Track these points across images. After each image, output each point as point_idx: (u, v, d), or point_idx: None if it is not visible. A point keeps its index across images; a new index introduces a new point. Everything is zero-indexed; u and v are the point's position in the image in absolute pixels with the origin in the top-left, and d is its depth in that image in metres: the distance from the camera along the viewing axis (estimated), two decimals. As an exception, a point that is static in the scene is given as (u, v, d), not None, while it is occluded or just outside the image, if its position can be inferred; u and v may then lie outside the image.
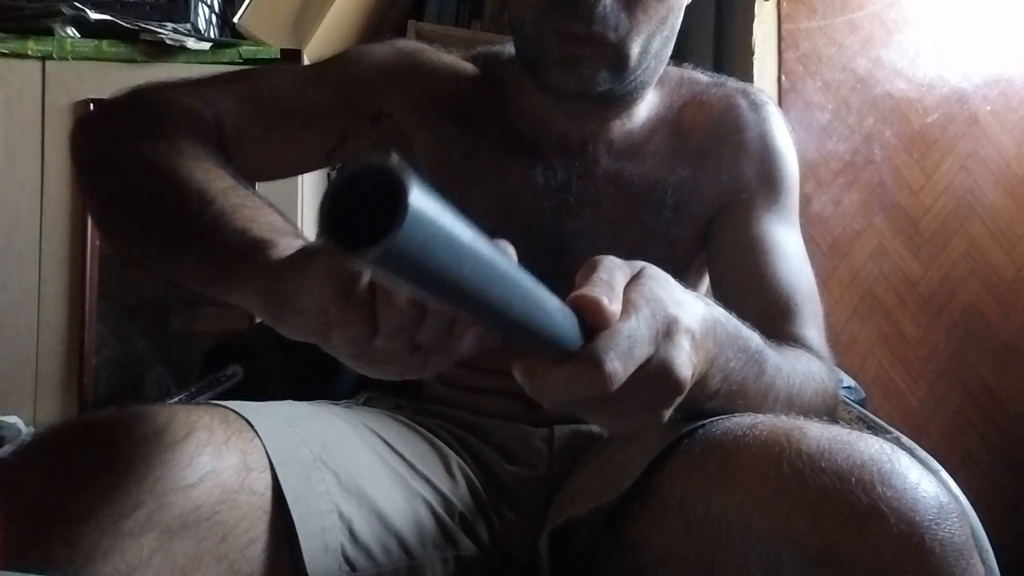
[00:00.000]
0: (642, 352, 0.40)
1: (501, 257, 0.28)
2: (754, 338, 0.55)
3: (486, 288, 0.27)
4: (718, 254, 0.79)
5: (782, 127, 0.83)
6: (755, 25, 1.63)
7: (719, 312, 0.50)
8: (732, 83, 0.85)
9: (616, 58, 0.69)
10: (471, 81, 0.81)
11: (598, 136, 0.78)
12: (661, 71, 0.78)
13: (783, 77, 1.65)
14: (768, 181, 0.80)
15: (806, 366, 0.64)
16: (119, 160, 0.67)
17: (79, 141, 0.71)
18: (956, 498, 0.48)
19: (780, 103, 1.63)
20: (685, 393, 0.43)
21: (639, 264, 0.45)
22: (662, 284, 0.44)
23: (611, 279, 0.41)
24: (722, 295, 0.78)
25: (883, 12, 1.67)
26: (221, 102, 0.74)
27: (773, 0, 1.65)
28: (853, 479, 0.44)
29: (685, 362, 0.42)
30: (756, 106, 0.82)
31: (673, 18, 0.73)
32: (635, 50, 0.69)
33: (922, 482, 0.45)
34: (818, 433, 0.48)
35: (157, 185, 0.62)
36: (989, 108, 1.67)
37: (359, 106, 0.78)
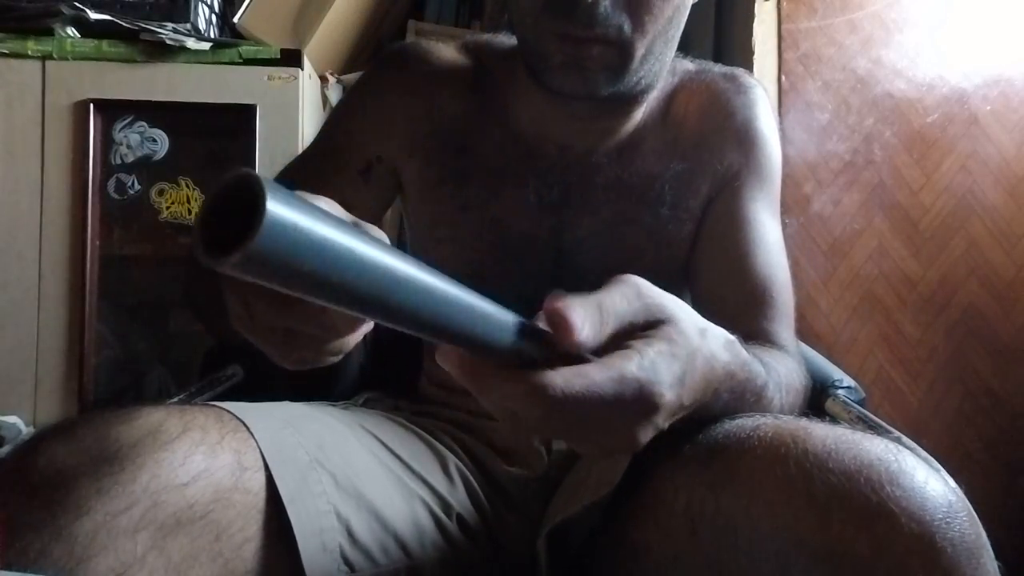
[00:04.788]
0: (596, 404, 0.37)
1: (407, 265, 0.29)
2: (757, 379, 0.54)
3: (385, 294, 0.28)
4: (702, 240, 0.79)
5: (767, 111, 0.82)
6: (755, 25, 1.63)
7: (728, 377, 0.48)
8: (719, 68, 0.84)
9: (620, 60, 0.67)
10: (466, 85, 0.80)
11: (600, 144, 0.77)
12: (665, 72, 0.76)
13: (783, 77, 1.65)
14: (755, 168, 0.79)
15: (785, 369, 0.65)
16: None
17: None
18: (963, 497, 0.47)
19: (780, 103, 1.63)
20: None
21: (666, 315, 0.42)
22: (673, 353, 0.41)
23: (607, 305, 0.39)
24: (700, 279, 0.78)
25: (883, 12, 1.67)
26: None
27: (773, 0, 1.65)
28: (861, 478, 0.44)
29: (643, 439, 0.41)
30: (742, 90, 0.81)
31: (679, 17, 0.71)
32: (639, 52, 0.67)
33: (930, 481, 0.45)
34: (823, 433, 0.48)
35: None
36: (989, 108, 1.67)
37: (350, 165, 0.79)
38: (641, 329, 0.41)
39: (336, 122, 0.83)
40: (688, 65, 0.83)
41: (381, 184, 0.80)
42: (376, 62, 0.85)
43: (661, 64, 0.73)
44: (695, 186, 0.78)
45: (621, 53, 0.67)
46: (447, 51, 0.82)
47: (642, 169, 0.77)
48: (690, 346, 0.43)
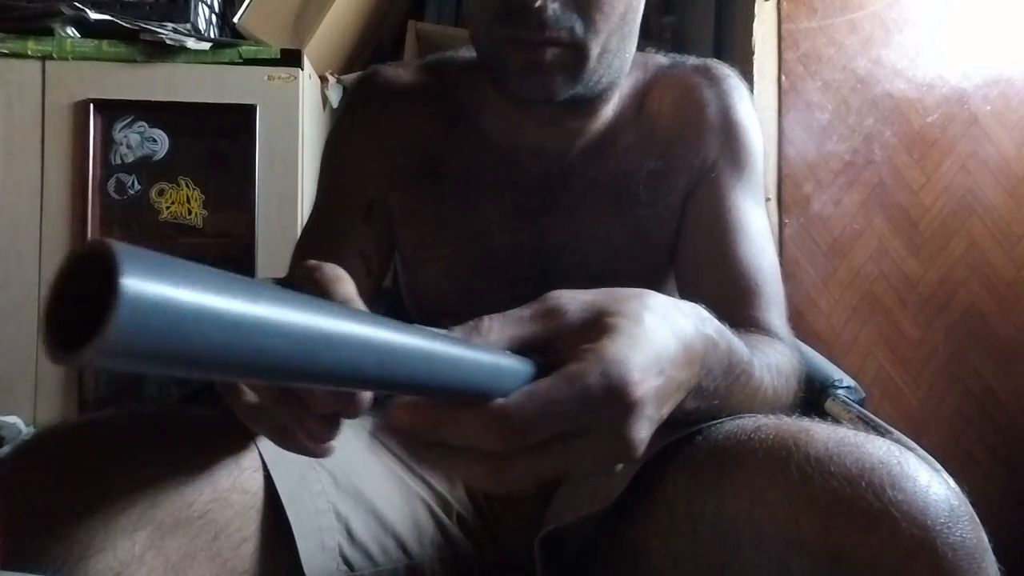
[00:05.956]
0: (564, 420, 0.35)
1: (334, 317, 0.25)
2: (741, 353, 0.51)
3: (311, 355, 0.24)
4: (684, 232, 0.78)
5: (744, 99, 0.81)
6: (755, 25, 1.63)
7: (709, 344, 0.46)
8: (692, 61, 0.82)
9: (575, 61, 0.66)
10: (432, 105, 0.80)
11: (573, 145, 0.76)
12: (627, 68, 0.75)
13: (783, 77, 1.65)
14: (732, 156, 0.78)
15: (776, 352, 0.63)
16: None
17: None
18: (965, 501, 0.47)
19: (780, 103, 1.63)
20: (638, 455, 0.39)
21: (609, 306, 0.40)
22: (633, 334, 0.38)
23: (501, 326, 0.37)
24: (685, 273, 0.77)
25: (883, 12, 1.67)
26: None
27: (773, 0, 1.65)
28: (863, 483, 0.44)
29: (640, 438, 0.38)
30: (715, 81, 0.79)
31: (633, 13, 0.70)
32: (595, 51, 0.66)
33: (932, 484, 0.44)
34: (825, 436, 0.47)
35: None
36: (989, 108, 1.67)
37: (355, 212, 0.79)
38: (590, 330, 0.38)
39: (332, 174, 0.83)
40: (661, 60, 0.82)
41: (381, 223, 0.80)
42: (346, 102, 0.85)
43: (621, 61, 0.72)
44: (672, 182, 0.77)
45: (576, 54, 0.66)
46: (407, 75, 0.82)
47: (616, 169, 0.77)
48: (649, 321, 0.39)
